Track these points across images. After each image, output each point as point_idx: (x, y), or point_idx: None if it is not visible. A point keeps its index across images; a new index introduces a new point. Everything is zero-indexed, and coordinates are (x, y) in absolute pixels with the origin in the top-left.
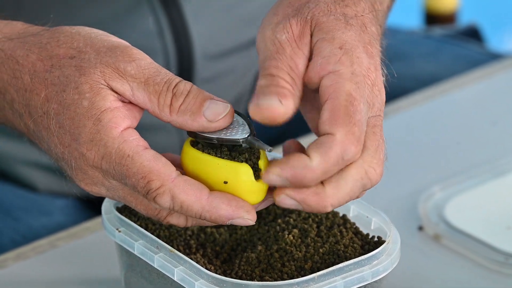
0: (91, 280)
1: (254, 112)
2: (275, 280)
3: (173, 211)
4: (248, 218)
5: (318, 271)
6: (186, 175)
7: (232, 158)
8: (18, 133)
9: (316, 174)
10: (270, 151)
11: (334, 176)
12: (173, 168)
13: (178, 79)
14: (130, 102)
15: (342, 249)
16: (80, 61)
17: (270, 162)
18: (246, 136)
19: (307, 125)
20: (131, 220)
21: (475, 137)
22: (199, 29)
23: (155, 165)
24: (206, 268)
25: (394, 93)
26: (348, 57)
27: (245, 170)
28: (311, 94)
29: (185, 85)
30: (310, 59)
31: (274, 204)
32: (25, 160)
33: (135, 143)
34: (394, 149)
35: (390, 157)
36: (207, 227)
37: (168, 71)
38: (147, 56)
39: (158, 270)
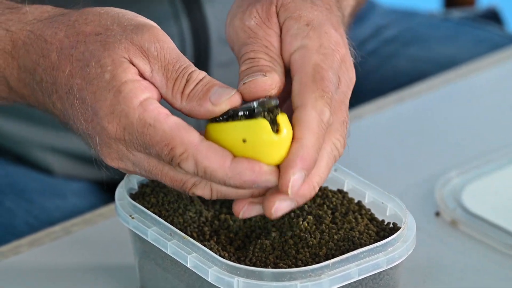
0: (105, 267)
1: (243, 91)
2: (289, 267)
3: (197, 176)
4: (274, 181)
5: (333, 257)
6: None
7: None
8: (49, 116)
9: (315, 147)
10: (276, 102)
11: None
12: (196, 133)
13: (194, 68)
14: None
15: (357, 235)
16: (105, 37)
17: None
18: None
19: None
20: (145, 207)
21: (493, 121)
22: (215, 13)
23: (177, 132)
24: (220, 255)
25: (412, 76)
26: (315, 32)
27: (261, 123)
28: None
29: (199, 74)
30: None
31: None
32: (41, 143)
33: (156, 111)
34: (411, 133)
35: (407, 142)
36: (220, 213)
37: (187, 59)
38: (171, 41)
39: (171, 257)
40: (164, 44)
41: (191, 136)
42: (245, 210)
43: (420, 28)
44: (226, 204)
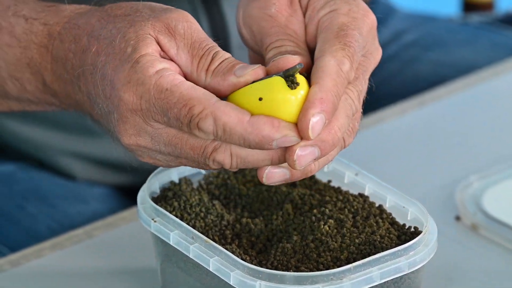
0: (126, 270)
1: (271, 68)
2: (311, 270)
3: (217, 137)
4: (293, 136)
5: (354, 261)
6: None
7: None
8: (79, 111)
9: (334, 91)
10: (300, 65)
11: None
12: (213, 95)
13: (219, 48)
14: (172, 60)
15: (378, 239)
16: (134, 17)
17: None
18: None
19: None
20: (167, 210)
21: None
22: (234, 13)
23: (194, 92)
24: (242, 259)
25: (432, 80)
26: (343, 0)
27: (276, 80)
28: None
29: (224, 53)
30: (305, 21)
31: (310, 195)
32: (64, 149)
33: (172, 77)
34: (431, 137)
35: (427, 146)
36: (242, 217)
37: (213, 41)
38: (199, 24)
39: (193, 260)
40: (192, 24)
41: (209, 95)
42: (268, 173)
43: (439, 32)
44: (247, 208)
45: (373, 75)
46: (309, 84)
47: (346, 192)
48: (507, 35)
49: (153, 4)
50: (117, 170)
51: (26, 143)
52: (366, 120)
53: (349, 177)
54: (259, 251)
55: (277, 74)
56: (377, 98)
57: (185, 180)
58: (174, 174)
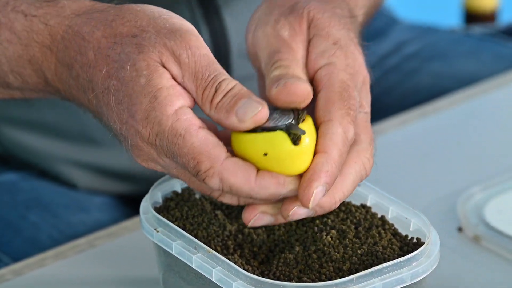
0: (129, 280)
1: (279, 92)
2: (313, 281)
3: (223, 192)
4: (295, 190)
5: (357, 272)
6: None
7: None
8: (84, 109)
9: (338, 163)
10: (302, 132)
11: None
12: (224, 149)
13: (224, 76)
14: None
15: (381, 250)
16: (141, 39)
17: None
18: (288, 121)
19: None
20: (169, 220)
21: None
22: (236, 27)
23: (205, 147)
24: (244, 269)
25: (434, 92)
26: (342, 52)
27: (280, 135)
28: None
29: (228, 83)
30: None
31: None
32: (66, 158)
33: (188, 122)
34: (433, 149)
35: (429, 157)
36: (244, 227)
37: (219, 66)
38: (205, 46)
39: (196, 270)
40: (196, 50)
41: (218, 152)
42: (255, 219)
43: (441, 44)
44: None
45: (374, 86)
46: (314, 121)
47: (348, 203)
48: (510, 47)
49: (157, 19)
50: (119, 179)
51: (28, 152)
52: None
53: None
54: (261, 261)
55: (280, 127)
56: (378, 109)
57: (188, 190)
58: (177, 185)
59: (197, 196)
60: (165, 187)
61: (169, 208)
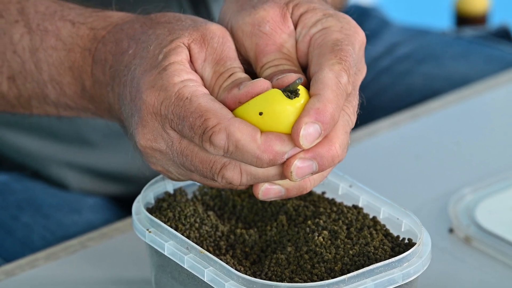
0: (121, 281)
1: (275, 85)
2: (305, 281)
3: (227, 154)
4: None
5: (348, 272)
6: None
7: None
8: (113, 118)
9: (333, 103)
10: (300, 80)
11: None
12: (230, 112)
13: (241, 71)
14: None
15: (372, 251)
16: (175, 25)
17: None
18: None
19: None
20: (161, 221)
21: (506, 139)
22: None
23: (212, 105)
24: (236, 269)
25: (425, 93)
26: (334, 18)
27: (274, 92)
28: None
29: (242, 74)
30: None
31: (304, 206)
32: (58, 159)
33: (194, 88)
34: (424, 150)
35: (421, 158)
36: (236, 228)
37: (239, 64)
38: (234, 45)
39: (188, 271)
40: (226, 41)
41: (226, 111)
42: (264, 189)
43: (433, 46)
44: (241, 219)
45: (367, 88)
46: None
47: (340, 204)
48: (501, 49)
49: (196, 17)
50: (111, 180)
51: (20, 152)
52: (359, 132)
53: (343, 188)
54: (253, 262)
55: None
56: (370, 110)
57: (180, 191)
58: (169, 185)
59: (190, 197)
60: (157, 188)
61: (161, 208)
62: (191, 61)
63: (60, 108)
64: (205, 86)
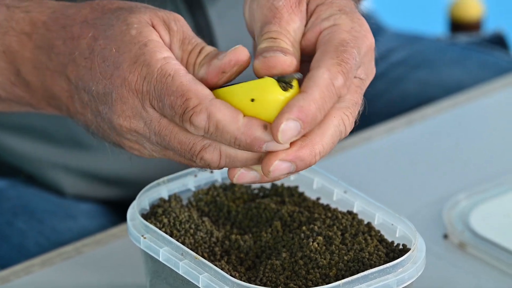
0: (116, 287)
1: (260, 64)
2: (300, 287)
3: (207, 134)
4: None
5: (343, 278)
6: None
7: None
8: (55, 103)
9: (319, 104)
10: (300, 76)
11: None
12: (211, 93)
13: (205, 44)
14: None
15: (367, 256)
16: (131, 10)
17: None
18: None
19: None
20: (156, 227)
21: (501, 144)
22: (224, 30)
23: (193, 85)
24: (231, 275)
25: (420, 99)
26: (348, 16)
27: (269, 81)
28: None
29: (211, 48)
30: (306, 26)
31: (299, 212)
32: (53, 163)
33: (177, 66)
34: (419, 156)
35: (415, 164)
36: (231, 234)
37: (201, 39)
38: (187, 24)
39: (183, 276)
40: (183, 23)
41: (207, 91)
42: (240, 174)
43: (427, 52)
44: (236, 225)
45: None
46: None
47: (335, 210)
48: (495, 55)
49: (147, 4)
50: (106, 183)
51: (15, 155)
52: (354, 138)
53: (337, 194)
54: (248, 267)
55: (271, 77)
56: (365, 116)
57: (175, 197)
58: (164, 191)
59: (184, 202)
60: (152, 194)
61: (156, 214)
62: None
63: None
64: None
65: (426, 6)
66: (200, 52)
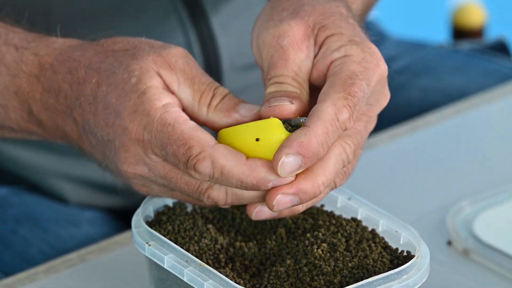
0: None
1: (267, 112)
2: None
3: (213, 180)
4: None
5: (347, 285)
6: None
7: None
8: (66, 141)
9: (320, 139)
10: (305, 121)
11: None
12: (213, 138)
13: (218, 84)
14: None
15: (371, 263)
16: (134, 51)
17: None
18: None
19: None
20: (161, 234)
21: (504, 152)
22: (227, 40)
23: (195, 133)
24: (236, 282)
25: (423, 107)
26: (359, 47)
27: (274, 121)
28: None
29: (224, 89)
30: (316, 57)
31: (303, 219)
32: (56, 172)
33: (177, 114)
34: (422, 163)
35: (419, 171)
36: (235, 241)
37: (209, 76)
38: (195, 61)
39: (187, 284)
40: (190, 60)
41: (208, 137)
42: (257, 211)
43: (430, 59)
44: (241, 232)
45: None
46: None
47: (339, 217)
48: (498, 62)
49: (150, 40)
50: (110, 192)
51: (18, 165)
52: None
53: (342, 201)
54: (253, 274)
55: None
56: None
57: (179, 204)
58: (168, 199)
59: (189, 210)
60: (156, 201)
61: (161, 222)
62: (166, 85)
63: (3, 130)
64: (185, 107)
65: (428, 13)
66: (214, 94)
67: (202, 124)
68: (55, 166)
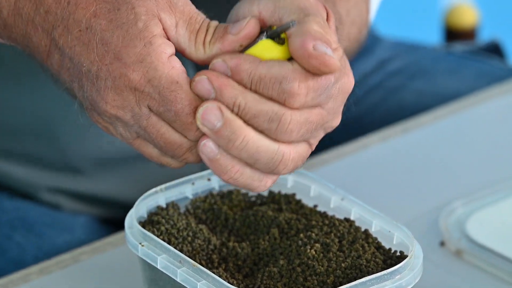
0: None
1: (313, 56)
2: None
3: (194, 142)
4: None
5: (341, 285)
6: None
7: None
8: (35, 52)
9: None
10: (293, 24)
11: None
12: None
13: (209, 20)
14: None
15: (364, 263)
16: None
17: None
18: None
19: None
20: (154, 235)
21: (497, 152)
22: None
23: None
24: (229, 282)
25: (417, 109)
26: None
27: (266, 42)
28: None
29: (214, 22)
30: None
31: (296, 219)
32: (48, 186)
33: (181, 70)
34: (415, 163)
35: (412, 172)
36: (229, 241)
37: (203, 15)
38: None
39: (181, 284)
40: (187, 1)
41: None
42: (203, 144)
43: (423, 61)
44: (234, 232)
45: (358, 104)
46: None
47: (332, 217)
48: (491, 64)
49: None
50: (102, 205)
51: (10, 180)
52: (350, 146)
53: (335, 201)
54: (246, 275)
55: (262, 31)
56: (362, 126)
57: (172, 205)
58: (161, 199)
59: (182, 210)
60: (150, 202)
61: (154, 222)
62: (164, 29)
63: None
64: (183, 49)
65: (421, 13)
66: (207, 31)
67: (205, 64)
68: (46, 181)
